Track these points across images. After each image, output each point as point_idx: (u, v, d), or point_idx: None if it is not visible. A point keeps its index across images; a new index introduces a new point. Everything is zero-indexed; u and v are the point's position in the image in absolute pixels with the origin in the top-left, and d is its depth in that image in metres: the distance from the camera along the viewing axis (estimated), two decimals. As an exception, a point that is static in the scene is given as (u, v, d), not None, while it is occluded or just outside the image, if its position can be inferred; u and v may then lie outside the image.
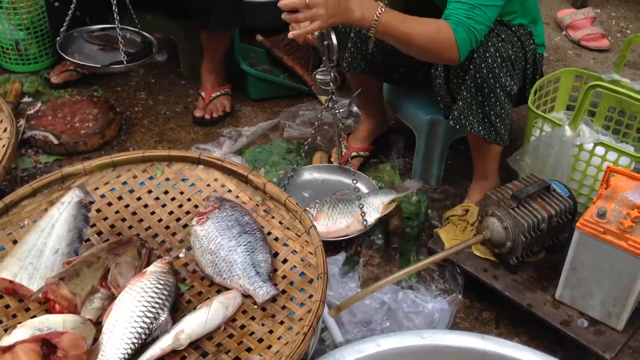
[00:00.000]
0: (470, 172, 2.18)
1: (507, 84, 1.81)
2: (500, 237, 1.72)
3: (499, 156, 2.03)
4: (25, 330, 1.24)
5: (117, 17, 2.24)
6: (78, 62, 2.39)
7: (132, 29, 2.48)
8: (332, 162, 2.29)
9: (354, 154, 2.31)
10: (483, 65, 1.76)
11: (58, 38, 2.37)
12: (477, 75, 1.78)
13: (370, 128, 2.34)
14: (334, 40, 1.72)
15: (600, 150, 1.81)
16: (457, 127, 1.88)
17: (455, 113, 1.87)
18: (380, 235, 2.04)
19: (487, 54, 1.76)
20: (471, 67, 1.78)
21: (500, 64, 1.78)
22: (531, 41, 1.91)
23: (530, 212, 1.70)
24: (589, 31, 3.22)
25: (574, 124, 1.82)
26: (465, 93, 1.83)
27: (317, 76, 1.94)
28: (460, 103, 1.85)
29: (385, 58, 2.05)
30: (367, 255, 1.94)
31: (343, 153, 2.28)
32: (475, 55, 1.76)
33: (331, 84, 1.85)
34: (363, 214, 1.90)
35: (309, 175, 2.21)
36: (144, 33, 2.49)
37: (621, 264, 1.51)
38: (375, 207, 1.97)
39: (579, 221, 1.55)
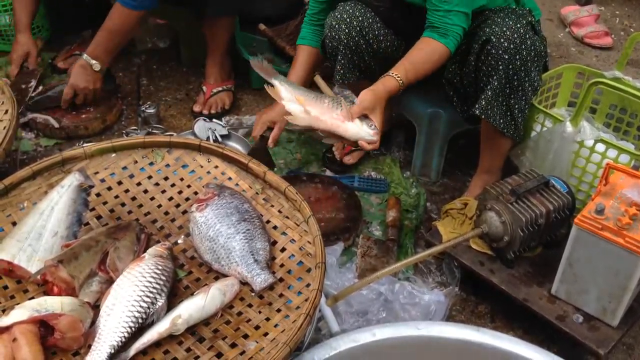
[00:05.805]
0: (469, 167, 2.18)
1: (536, 79, 1.82)
2: (498, 231, 1.73)
3: (507, 152, 2.02)
4: (23, 312, 1.24)
5: None
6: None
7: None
8: (335, 154, 2.29)
9: (355, 146, 2.30)
10: (517, 57, 1.76)
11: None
12: (510, 67, 1.78)
13: None
14: None
15: (600, 147, 1.81)
16: (483, 116, 1.86)
17: (483, 102, 1.85)
18: (378, 227, 2.05)
19: (523, 46, 1.76)
20: (505, 56, 1.77)
21: (533, 58, 1.78)
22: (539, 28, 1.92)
23: (529, 207, 1.71)
24: (592, 29, 3.22)
25: (575, 120, 1.82)
26: (496, 83, 1.81)
27: None
28: (490, 93, 1.83)
29: (379, 66, 2.04)
30: (364, 246, 1.95)
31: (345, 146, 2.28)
32: (511, 47, 1.76)
33: None
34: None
35: None
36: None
37: (618, 260, 1.52)
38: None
39: (577, 217, 1.55)
